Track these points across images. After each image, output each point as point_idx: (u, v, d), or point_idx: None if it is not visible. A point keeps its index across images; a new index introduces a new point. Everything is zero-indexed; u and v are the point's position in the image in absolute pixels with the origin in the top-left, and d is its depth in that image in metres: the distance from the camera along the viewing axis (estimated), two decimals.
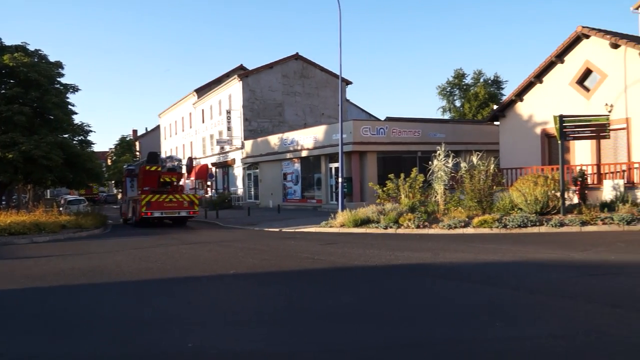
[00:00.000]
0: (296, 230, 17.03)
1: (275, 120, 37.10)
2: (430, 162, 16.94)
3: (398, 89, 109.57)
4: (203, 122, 44.68)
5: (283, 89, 37.34)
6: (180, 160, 24.74)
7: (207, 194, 39.96)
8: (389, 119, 30.81)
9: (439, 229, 13.98)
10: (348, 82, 38.65)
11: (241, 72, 39.59)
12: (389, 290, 7.13)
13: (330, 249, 11.65)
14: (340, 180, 19.53)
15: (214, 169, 41.76)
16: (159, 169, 22.28)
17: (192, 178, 42.44)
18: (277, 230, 17.59)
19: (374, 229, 15.12)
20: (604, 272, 7.47)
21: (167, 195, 21.25)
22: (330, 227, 16.46)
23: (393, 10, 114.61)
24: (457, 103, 57.00)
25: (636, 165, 16.38)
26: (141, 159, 28.78)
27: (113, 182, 61.91)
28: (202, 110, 44.89)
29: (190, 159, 26.70)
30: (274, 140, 31.93)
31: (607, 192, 15.41)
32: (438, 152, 16.66)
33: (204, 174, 40.46)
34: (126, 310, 6.50)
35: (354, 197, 24.65)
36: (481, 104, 52.11)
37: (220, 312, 6.23)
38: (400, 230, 14.55)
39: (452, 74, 57.35)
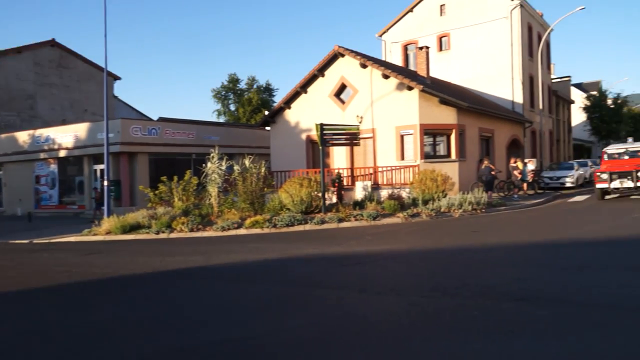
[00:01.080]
0: (52, 240, 14.95)
1: (25, 115, 31.92)
2: (204, 165, 16.90)
3: (172, 89, 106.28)
4: None
5: (35, 79, 32.41)
6: None
7: None
8: (161, 120, 29.58)
9: (213, 231, 14.02)
10: (116, 77, 35.80)
11: None
12: (154, 299, 6.82)
13: (92, 260, 10.56)
14: (106, 183, 17.93)
15: None
16: None
17: None
18: (26, 242, 15.13)
19: (145, 234, 14.32)
20: (354, 262, 8.54)
21: None
22: (95, 235, 14.97)
23: (166, 6, 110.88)
24: (232, 107, 58.23)
25: (380, 169, 19.30)
26: None
27: None
28: None
29: None
30: (23, 137, 27.42)
31: (359, 192, 17.74)
32: (212, 154, 16.74)
33: None
34: None
35: (123, 202, 22.94)
36: (254, 109, 54.30)
37: None
38: (174, 235, 14.11)
39: (227, 79, 58.41)
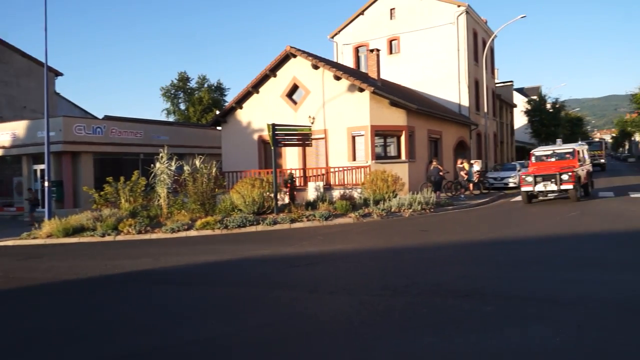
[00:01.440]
0: None
1: None
2: (153, 165, 16.45)
3: (119, 87, 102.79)
4: None
5: None
6: None
7: None
8: (107, 118, 28.51)
9: (162, 233, 13.66)
10: (58, 73, 34.12)
11: None
12: (101, 304, 6.57)
13: (32, 264, 10.06)
14: (47, 184, 17.09)
15: None
16: None
17: None
18: None
19: (90, 237, 13.75)
20: (306, 262, 8.57)
21: None
22: (35, 238, 14.25)
23: (111, 2, 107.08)
24: (182, 106, 56.96)
25: (332, 170, 19.43)
26: None
27: None
28: None
29: None
30: None
31: (311, 192, 17.80)
32: (161, 154, 16.33)
33: None
34: None
35: (66, 204, 21.92)
36: (205, 108, 53.36)
37: None
38: (120, 237, 13.64)
39: (177, 77, 57.09)
